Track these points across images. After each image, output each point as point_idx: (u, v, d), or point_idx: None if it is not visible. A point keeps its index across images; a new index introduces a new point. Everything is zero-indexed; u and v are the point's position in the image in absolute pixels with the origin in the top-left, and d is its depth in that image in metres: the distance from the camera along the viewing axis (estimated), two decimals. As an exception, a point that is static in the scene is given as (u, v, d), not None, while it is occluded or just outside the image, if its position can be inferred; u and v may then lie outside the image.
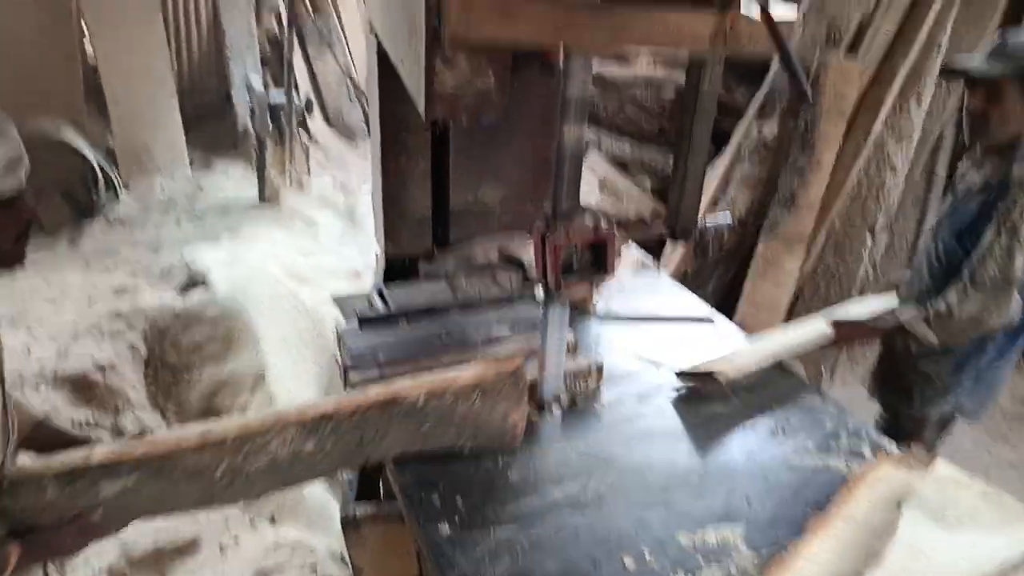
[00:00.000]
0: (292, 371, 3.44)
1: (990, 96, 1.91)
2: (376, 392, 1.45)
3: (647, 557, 1.32)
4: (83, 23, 5.29)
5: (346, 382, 1.79)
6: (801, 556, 1.29)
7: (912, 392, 2.26)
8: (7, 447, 1.32)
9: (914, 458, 1.56)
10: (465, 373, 1.52)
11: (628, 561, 1.31)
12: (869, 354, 4.09)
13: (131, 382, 3.33)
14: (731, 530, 1.39)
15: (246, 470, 1.35)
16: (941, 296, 2.02)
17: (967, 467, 3.65)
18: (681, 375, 1.85)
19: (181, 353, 3.54)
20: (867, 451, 1.65)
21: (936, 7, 3.66)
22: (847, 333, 2.11)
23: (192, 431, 1.34)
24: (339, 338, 1.94)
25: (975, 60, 1.96)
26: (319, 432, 1.39)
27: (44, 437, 1.41)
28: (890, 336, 2.19)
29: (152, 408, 3.33)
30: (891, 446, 1.67)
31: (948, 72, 2.07)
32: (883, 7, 3.72)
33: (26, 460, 1.33)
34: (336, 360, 1.98)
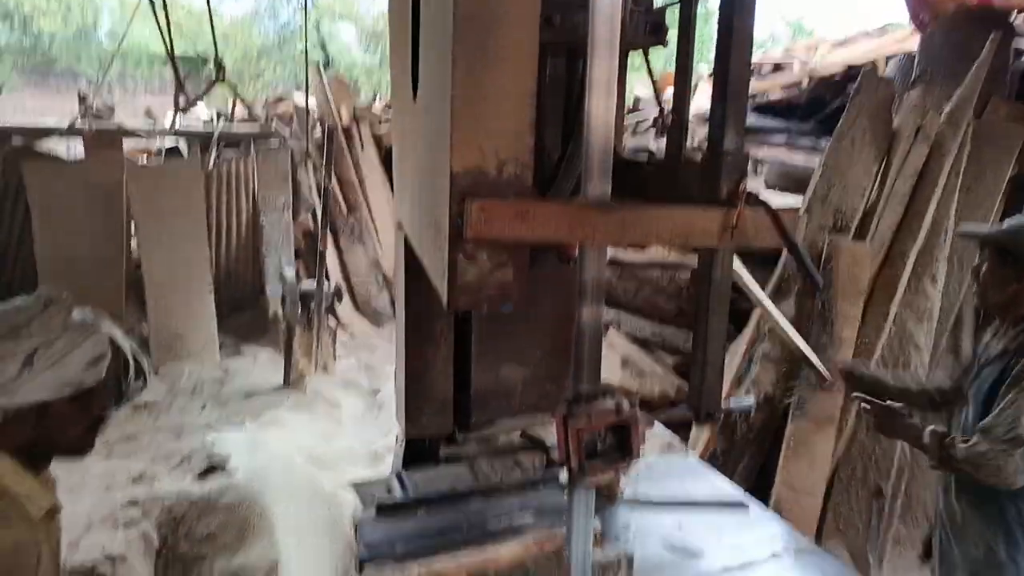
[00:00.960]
0: (307, 562, 3.29)
1: (988, 259, 2.09)
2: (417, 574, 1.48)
3: None
4: (132, 222, 5.71)
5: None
6: None
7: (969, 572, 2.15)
8: None
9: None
10: (506, 552, 1.53)
11: None
12: (918, 535, 3.83)
13: (140, 575, 3.20)
14: None
15: None
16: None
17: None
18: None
19: (194, 543, 3.42)
20: (927, 656, 1.51)
21: (937, 195, 3.86)
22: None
23: None
24: (355, 528, 1.88)
25: (980, 227, 2.17)
26: None
27: None
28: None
29: (159, 605, 3.17)
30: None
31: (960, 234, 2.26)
32: (884, 196, 3.92)
33: None
34: (352, 549, 1.91)
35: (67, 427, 1.19)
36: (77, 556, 3.16)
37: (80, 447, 1.25)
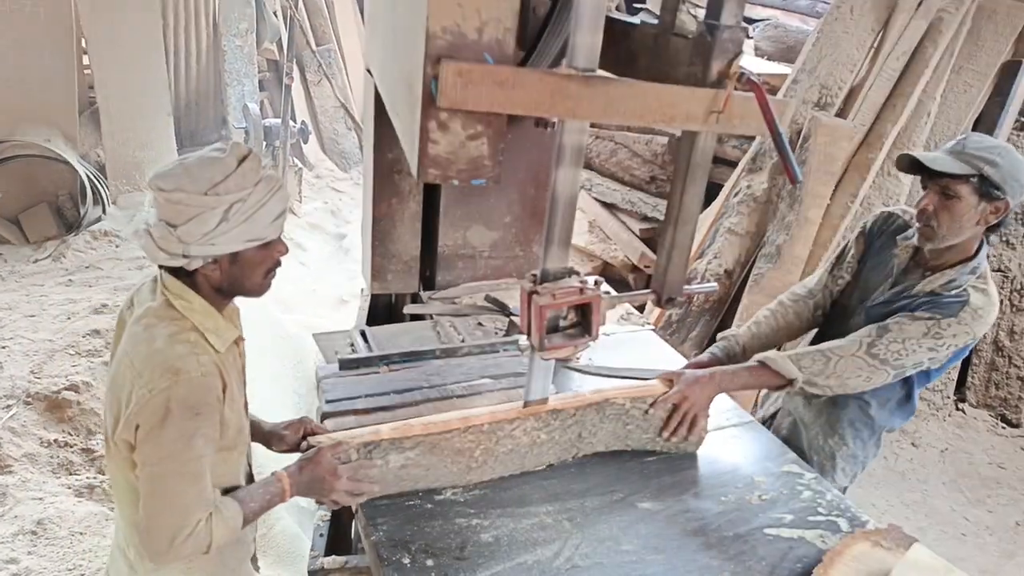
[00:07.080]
0: (271, 399, 3.40)
1: (945, 195, 1.71)
2: (591, 394, 1.71)
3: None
4: (83, 39, 5.29)
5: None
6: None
7: None
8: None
9: (892, 537, 1.55)
10: (659, 383, 1.80)
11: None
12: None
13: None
14: (704, 605, 1.37)
15: (496, 452, 1.62)
16: None
17: (945, 531, 3.60)
18: None
19: (158, 376, 3.48)
20: (844, 524, 1.64)
21: (927, 75, 3.75)
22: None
23: (453, 417, 1.60)
24: (318, 381, 1.92)
25: (936, 157, 1.71)
26: (550, 424, 1.66)
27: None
28: None
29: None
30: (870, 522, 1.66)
31: (906, 161, 1.76)
32: (874, 73, 3.80)
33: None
34: (314, 392, 1.96)
35: (251, 272, 1.36)
36: (41, 383, 3.21)
37: (259, 289, 1.41)
